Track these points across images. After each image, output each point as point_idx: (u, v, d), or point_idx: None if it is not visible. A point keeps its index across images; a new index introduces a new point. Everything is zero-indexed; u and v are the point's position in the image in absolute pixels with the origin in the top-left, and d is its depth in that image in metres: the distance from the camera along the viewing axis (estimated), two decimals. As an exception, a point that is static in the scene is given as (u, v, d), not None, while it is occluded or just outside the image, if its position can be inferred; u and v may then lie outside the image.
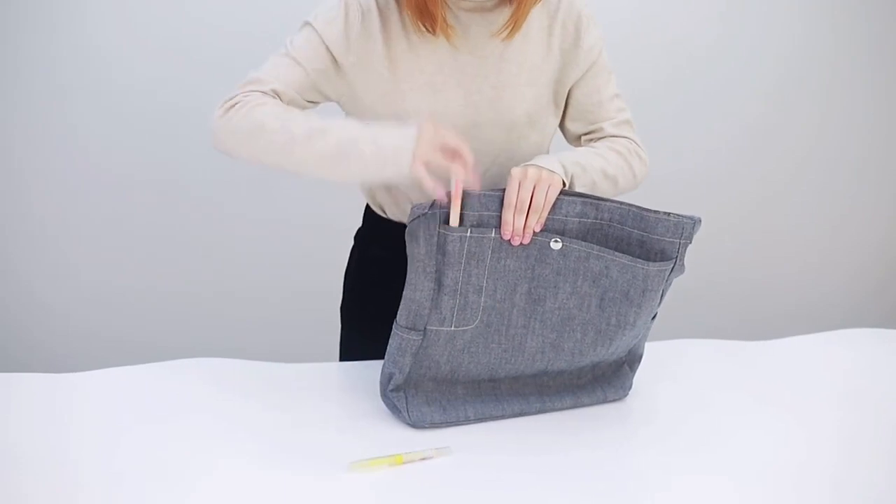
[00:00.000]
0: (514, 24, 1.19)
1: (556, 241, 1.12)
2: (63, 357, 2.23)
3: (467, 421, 1.17)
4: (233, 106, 1.16)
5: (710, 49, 2.24)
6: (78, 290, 2.27)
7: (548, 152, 1.35)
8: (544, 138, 1.31)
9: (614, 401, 1.24)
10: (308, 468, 1.09)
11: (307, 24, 1.21)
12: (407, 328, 1.12)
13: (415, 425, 1.16)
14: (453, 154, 1.08)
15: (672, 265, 1.16)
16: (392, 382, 1.16)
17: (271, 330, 2.31)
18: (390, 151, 1.07)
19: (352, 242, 1.48)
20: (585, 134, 1.30)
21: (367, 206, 1.42)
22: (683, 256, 1.17)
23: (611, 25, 2.19)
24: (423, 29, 1.18)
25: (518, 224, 1.09)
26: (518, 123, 1.25)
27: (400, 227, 1.32)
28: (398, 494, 1.04)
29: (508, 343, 1.16)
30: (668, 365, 1.36)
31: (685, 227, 1.16)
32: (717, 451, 1.13)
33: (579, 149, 1.24)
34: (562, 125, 1.33)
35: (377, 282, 1.39)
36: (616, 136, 1.28)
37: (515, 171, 1.10)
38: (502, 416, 1.19)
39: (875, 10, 2.24)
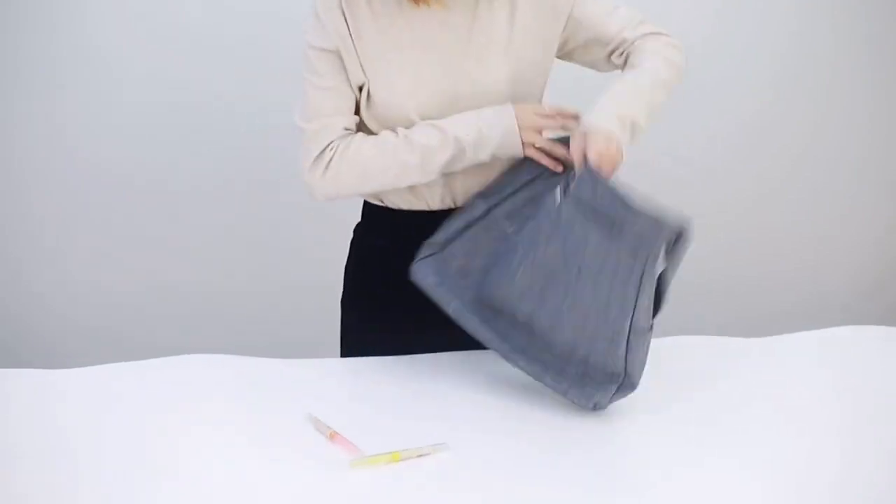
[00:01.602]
0: None
1: (557, 196, 1.15)
2: (61, 353, 2.22)
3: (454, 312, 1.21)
4: (328, 161, 1.24)
5: (707, 46, 2.24)
6: (76, 286, 2.27)
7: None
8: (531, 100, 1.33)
9: (574, 404, 1.19)
10: (307, 465, 1.09)
11: (305, 49, 1.25)
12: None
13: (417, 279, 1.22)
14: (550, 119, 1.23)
15: (642, 265, 1.16)
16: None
17: (271, 326, 2.31)
18: (499, 137, 1.22)
19: (351, 237, 1.48)
20: (611, 53, 1.32)
21: (364, 201, 1.43)
22: (655, 260, 1.18)
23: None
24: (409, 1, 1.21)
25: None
26: (498, 94, 1.27)
27: (399, 214, 1.33)
28: (398, 492, 1.04)
29: (505, 268, 1.19)
30: (665, 362, 1.36)
31: (662, 230, 1.17)
32: (715, 448, 1.13)
33: (622, 80, 1.26)
34: (584, 61, 1.36)
35: (377, 270, 1.39)
36: (643, 40, 1.30)
37: (598, 140, 1.16)
38: (487, 339, 1.21)
39: (873, 7, 2.24)
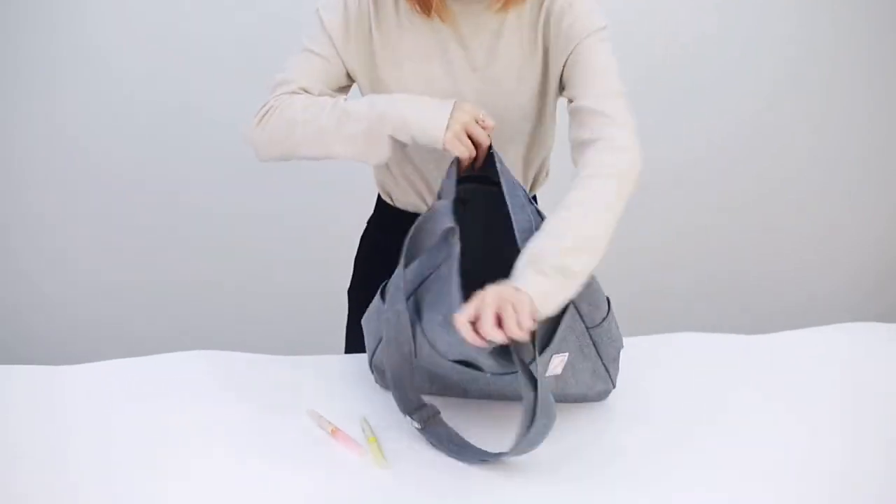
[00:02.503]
0: None
1: None
2: (62, 349, 2.22)
3: None
4: (266, 114, 1.20)
5: (708, 45, 2.24)
6: (78, 282, 2.28)
7: (549, 150, 1.35)
8: (539, 135, 1.31)
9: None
10: (308, 461, 1.09)
11: (315, 11, 1.24)
12: None
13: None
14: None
15: None
16: None
17: (274, 322, 2.31)
18: (426, 125, 1.13)
19: (357, 233, 1.50)
20: (573, 128, 1.19)
21: (378, 196, 1.44)
22: None
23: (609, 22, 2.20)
24: (418, 9, 1.19)
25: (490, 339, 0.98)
26: (507, 119, 1.25)
27: (406, 216, 1.34)
28: (398, 490, 1.04)
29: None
30: (667, 359, 1.36)
31: None
32: (716, 446, 1.13)
33: (544, 228, 1.07)
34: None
35: (382, 269, 1.39)
36: (586, 143, 1.13)
37: (474, 299, 0.99)
38: None
39: (873, 7, 2.25)
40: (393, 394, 1.13)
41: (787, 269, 2.46)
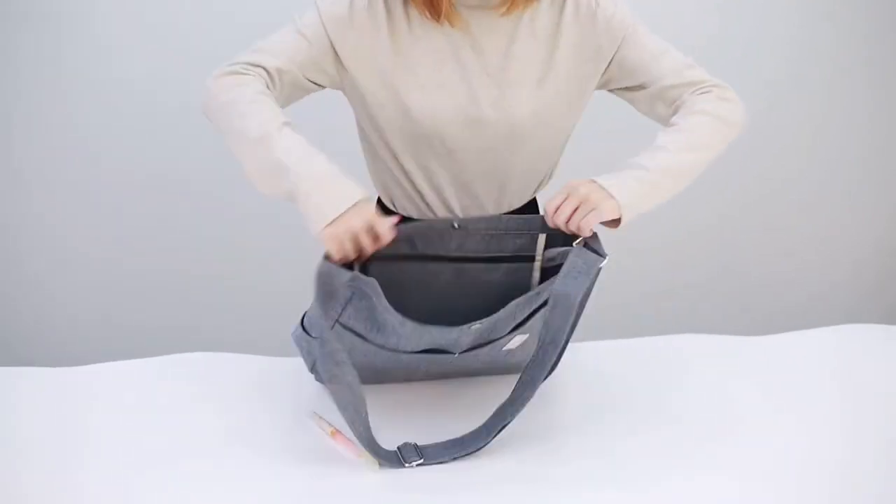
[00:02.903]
0: (511, 1, 1.18)
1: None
2: (67, 351, 2.22)
3: None
4: (231, 73, 1.17)
5: (709, 46, 2.23)
6: (82, 284, 2.27)
7: (559, 155, 1.33)
8: (553, 142, 1.29)
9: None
10: (308, 462, 1.09)
11: (314, 3, 1.21)
12: None
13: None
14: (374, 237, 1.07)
15: None
16: None
17: (275, 324, 2.31)
18: (313, 207, 1.06)
19: None
20: (653, 100, 1.26)
21: (378, 200, 1.43)
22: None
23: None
24: (429, 16, 1.18)
25: (560, 226, 1.13)
26: (521, 124, 1.23)
27: (407, 219, 1.33)
28: (398, 489, 1.05)
29: None
30: (667, 360, 1.36)
31: None
32: (717, 446, 1.13)
33: (659, 137, 1.19)
34: (626, 98, 1.31)
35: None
36: (691, 85, 1.24)
37: (571, 182, 1.13)
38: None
39: (874, 7, 2.24)
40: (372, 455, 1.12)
41: (787, 270, 2.46)
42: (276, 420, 1.18)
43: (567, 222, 1.11)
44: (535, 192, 1.36)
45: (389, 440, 1.11)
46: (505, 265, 1.19)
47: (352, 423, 1.08)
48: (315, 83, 1.23)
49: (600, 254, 1.11)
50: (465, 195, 1.28)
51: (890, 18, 2.25)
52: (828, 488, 1.05)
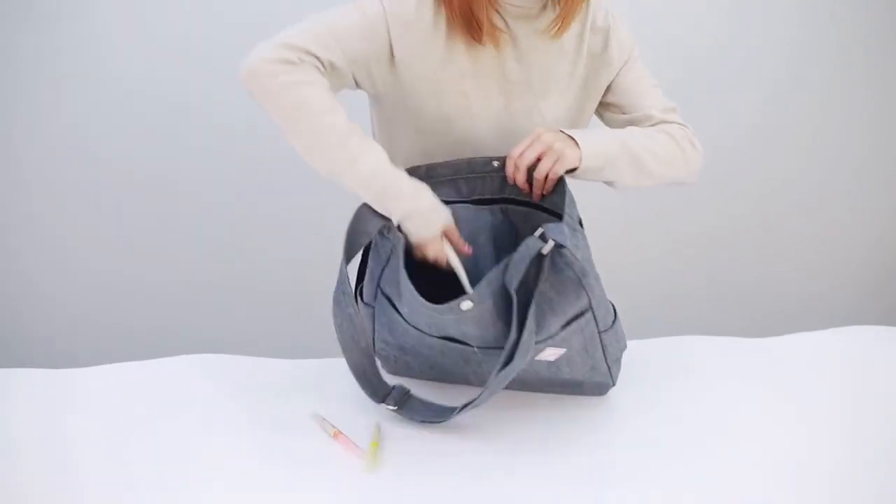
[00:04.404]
0: (563, 21, 1.20)
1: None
2: (64, 352, 2.22)
3: None
4: (286, 62, 1.11)
5: (710, 47, 2.24)
6: (79, 285, 2.27)
7: None
8: None
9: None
10: (311, 463, 1.09)
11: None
12: None
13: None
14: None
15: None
16: None
17: (277, 326, 2.32)
18: (417, 219, 1.13)
19: None
20: (628, 123, 1.30)
21: None
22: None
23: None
24: (472, 38, 1.18)
25: (518, 179, 1.15)
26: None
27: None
28: (399, 489, 1.04)
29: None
30: (668, 361, 1.36)
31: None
32: (717, 447, 1.13)
33: (629, 128, 1.24)
34: (608, 124, 1.33)
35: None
36: (668, 122, 1.28)
37: (538, 130, 1.14)
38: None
39: (874, 8, 2.25)
40: (362, 389, 1.18)
41: (787, 270, 2.46)
42: (277, 421, 1.18)
43: (530, 169, 1.14)
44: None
45: (401, 441, 1.12)
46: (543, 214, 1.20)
47: (349, 356, 1.15)
48: (356, 84, 1.20)
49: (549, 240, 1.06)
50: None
51: (890, 18, 2.26)
52: (828, 489, 1.05)
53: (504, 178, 1.19)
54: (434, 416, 1.15)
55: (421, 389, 1.24)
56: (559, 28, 1.20)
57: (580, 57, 1.25)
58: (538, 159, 1.13)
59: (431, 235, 1.14)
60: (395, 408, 1.16)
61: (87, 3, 2.07)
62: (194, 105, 2.16)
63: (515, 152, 1.14)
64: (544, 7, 1.21)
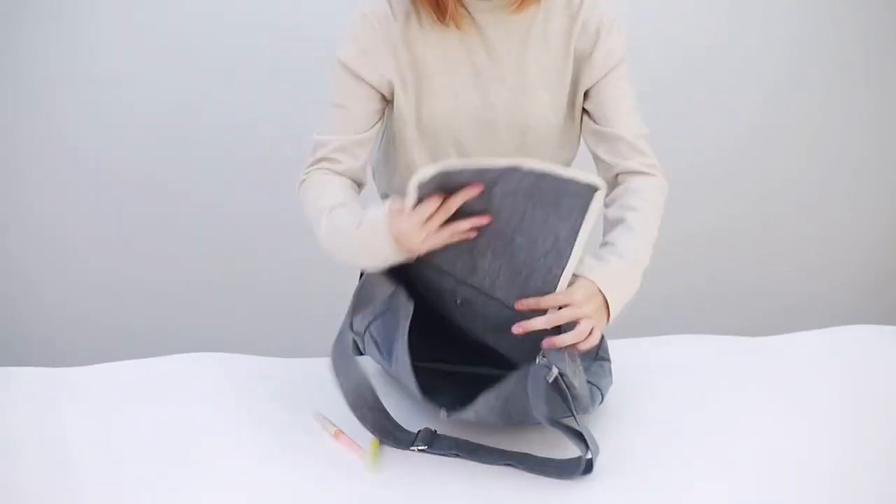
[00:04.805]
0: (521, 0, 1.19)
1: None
2: (62, 351, 2.22)
3: None
4: (302, 184, 1.25)
5: (708, 48, 2.24)
6: (79, 284, 2.27)
7: (576, 148, 1.34)
8: (564, 148, 1.31)
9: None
10: (311, 463, 1.09)
11: (336, 59, 1.23)
12: None
13: None
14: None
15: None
16: None
17: (278, 324, 2.31)
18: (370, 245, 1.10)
19: None
20: (603, 147, 1.26)
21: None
22: None
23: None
24: (434, 17, 1.18)
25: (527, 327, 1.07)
26: (534, 127, 1.25)
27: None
28: (399, 489, 1.04)
29: None
30: (667, 361, 1.36)
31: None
32: (717, 447, 1.13)
33: (629, 227, 1.18)
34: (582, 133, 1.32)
35: (389, 271, 1.41)
36: (637, 178, 1.24)
37: (573, 290, 1.07)
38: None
39: (874, 8, 2.25)
40: (385, 443, 1.12)
41: (787, 270, 2.46)
42: (278, 420, 1.17)
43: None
44: None
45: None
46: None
47: (360, 416, 1.11)
48: (381, 119, 1.27)
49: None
50: None
51: (890, 18, 2.26)
52: (828, 488, 1.05)
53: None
54: (469, 455, 1.09)
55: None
56: (519, 4, 1.19)
57: (568, 54, 1.24)
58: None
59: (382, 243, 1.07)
60: (426, 447, 1.11)
61: (86, 4, 2.07)
62: (194, 105, 2.16)
63: (545, 303, 1.06)
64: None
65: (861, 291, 2.46)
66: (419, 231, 1.03)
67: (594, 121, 1.26)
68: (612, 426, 1.18)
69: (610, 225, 1.20)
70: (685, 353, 1.39)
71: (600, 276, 1.09)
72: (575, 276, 1.08)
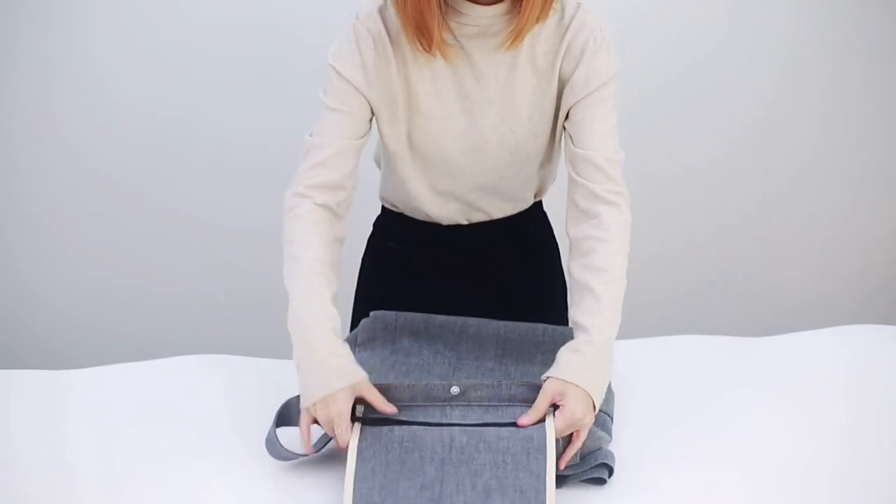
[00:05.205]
0: (516, 36, 1.17)
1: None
2: (62, 353, 2.22)
3: None
4: (288, 210, 1.30)
5: (713, 48, 2.24)
6: (77, 286, 2.27)
7: (559, 159, 1.35)
8: (549, 154, 1.32)
9: None
10: (309, 467, 1.09)
11: (329, 66, 1.22)
12: None
13: None
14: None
15: None
16: None
17: (277, 326, 2.31)
18: (303, 382, 1.10)
19: (363, 236, 1.50)
20: (575, 167, 1.24)
21: (381, 203, 1.45)
22: None
23: (613, 24, 2.20)
24: (421, 47, 1.18)
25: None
26: (523, 148, 1.26)
27: (412, 222, 1.37)
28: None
29: None
30: (670, 361, 1.36)
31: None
32: (719, 447, 1.13)
33: (594, 327, 1.14)
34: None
35: (389, 270, 1.44)
36: (605, 201, 1.20)
37: (574, 418, 1.06)
38: None
39: (875, 8, 2.25)
40: None
41: (789, 273, 2.46)
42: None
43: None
44: (539, 194, 1.41)
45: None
46: (514, 428, 1.07)
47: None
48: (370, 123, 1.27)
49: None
50: (468, 206, 1.34)
51: (890, 18, 2.26)
52: (829, 487, 1.05)
53: (464, 406, 1.10)
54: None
55: None
56: (512, 42, 1.18)
57: (553, 76, 1.23)
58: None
59: (319, 394, 1.07)
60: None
61: (85, 5, 2.07)
62: (192, 109, 2.16)
63: (570, 451, 1.07)
64: (502, 24, 1.20)
65: (863, 293, 2.46)
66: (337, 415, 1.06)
67: (571, 141, 1.24)
68: (617, 425, 1.18)
69: (578, 289, 1.18)
70: (686, 353, 1.39)
71: (582, 376, 1.09)
72: (557, 379, 1.09)
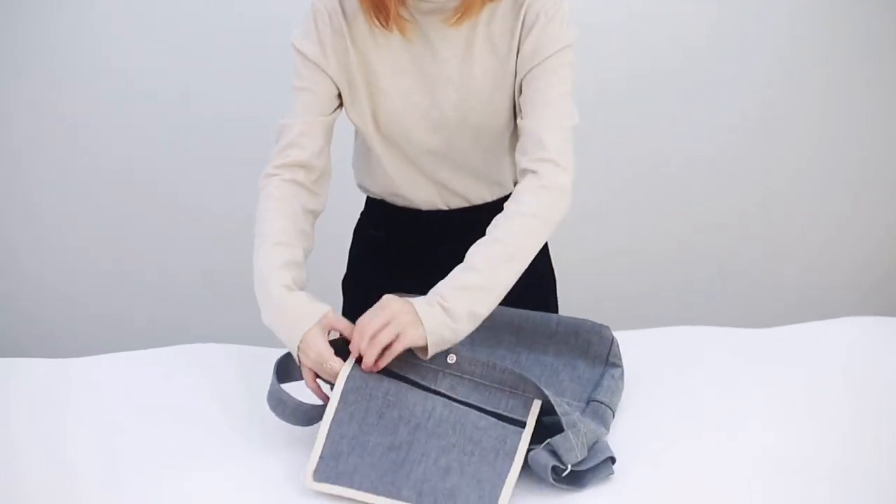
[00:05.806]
0: (464, 11, 1.18)
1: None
2: (65, 342, 2.22)
3: None
4: (260, 191, 1.25)
5: (710, 46, 2.25)
6: (81, 275, 2.28)
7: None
8: (510, 129, 1.32)
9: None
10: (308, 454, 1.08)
11: (291, 45, 1.25)
12: None
13: None
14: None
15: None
16: None
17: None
18: (281, 339, 1.12)
19: (350, 226, 1.53)
20: (518, 143, 1.22)
21: (371, 199, 1.48)
22: None
23: (611, 22, 2.21)
24: (377, 23, 1.19)
25: (367, 355, 1.06)
26: (486, 127, 1.27)
27: (395, 210, 1.40)
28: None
29: None
30: (671, 352, 1.36)
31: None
32: (721, 438, 1.13)
33: (475, 262, 1.13)
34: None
35: (373, 257, 1.47)
36: (532, 179, 1.17)
37: (386, 297, 1.09)
38: None
39: (875, 6, 2.25)
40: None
41: (789, 268, 2.47)
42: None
43: (372, 337, 1.05)
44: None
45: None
46: (493, 421, 1.07)
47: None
48: (341, 104, 1.28)
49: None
50: (444, 189, 1.35)
51: (890, 18, 2.26)
52: (830, 481, 1.05)
53: (457, 376, 1.11)
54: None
55: None
56: (459, 17, 1.18)
57: (510, 54, 1.23)
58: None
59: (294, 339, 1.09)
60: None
61: (87, 1, 2.07)
62: (194, 100, 2.16)
63: (363, 320, 1.07)
64: (457, 0, 1.20)
65: (864, 287, 2.47)
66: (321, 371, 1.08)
67: (520, 114, 1.23)
68: (618, 416, 1.18)
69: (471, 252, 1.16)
70: (686, 344, 1.39)
71: (419, 302, 1.09)
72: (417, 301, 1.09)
